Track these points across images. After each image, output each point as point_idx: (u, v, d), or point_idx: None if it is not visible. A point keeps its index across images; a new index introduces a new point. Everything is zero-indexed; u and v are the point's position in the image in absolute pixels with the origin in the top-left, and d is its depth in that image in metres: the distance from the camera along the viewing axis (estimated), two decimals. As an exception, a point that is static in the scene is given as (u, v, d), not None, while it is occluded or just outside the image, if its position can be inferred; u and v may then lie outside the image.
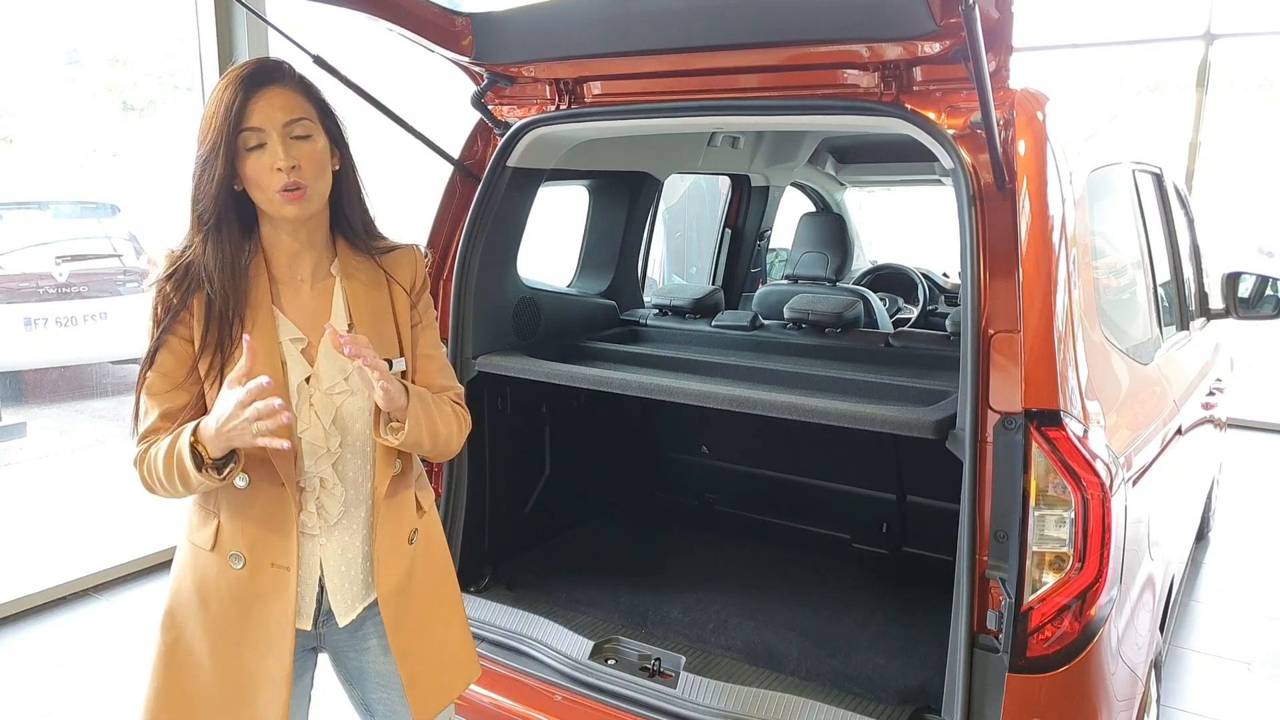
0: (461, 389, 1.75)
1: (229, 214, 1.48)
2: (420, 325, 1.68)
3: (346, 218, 1.59)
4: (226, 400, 1.37)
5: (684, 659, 2.27)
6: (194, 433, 1.41)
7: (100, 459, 6.41)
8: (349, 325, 1.58)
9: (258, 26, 3.97)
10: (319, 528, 1.58)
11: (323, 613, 1.62)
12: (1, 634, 3.53)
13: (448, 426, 1.62)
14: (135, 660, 3.33)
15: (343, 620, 1.63)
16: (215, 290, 1.48)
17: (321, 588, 1.60)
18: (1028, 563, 1.76)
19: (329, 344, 1.54)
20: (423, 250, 1.72)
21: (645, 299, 3.67)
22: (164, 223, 7.94)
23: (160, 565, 4.11)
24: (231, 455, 1.44)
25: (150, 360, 1.49)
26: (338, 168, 1.54)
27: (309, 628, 1.62)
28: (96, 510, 5.14)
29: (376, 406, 1.52)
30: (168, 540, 4.22)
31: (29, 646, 3.44)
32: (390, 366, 1.56)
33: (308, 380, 1.54)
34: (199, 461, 1.41)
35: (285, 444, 1.37)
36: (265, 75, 1.46)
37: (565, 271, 3.61)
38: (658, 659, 2.28)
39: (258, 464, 1.50)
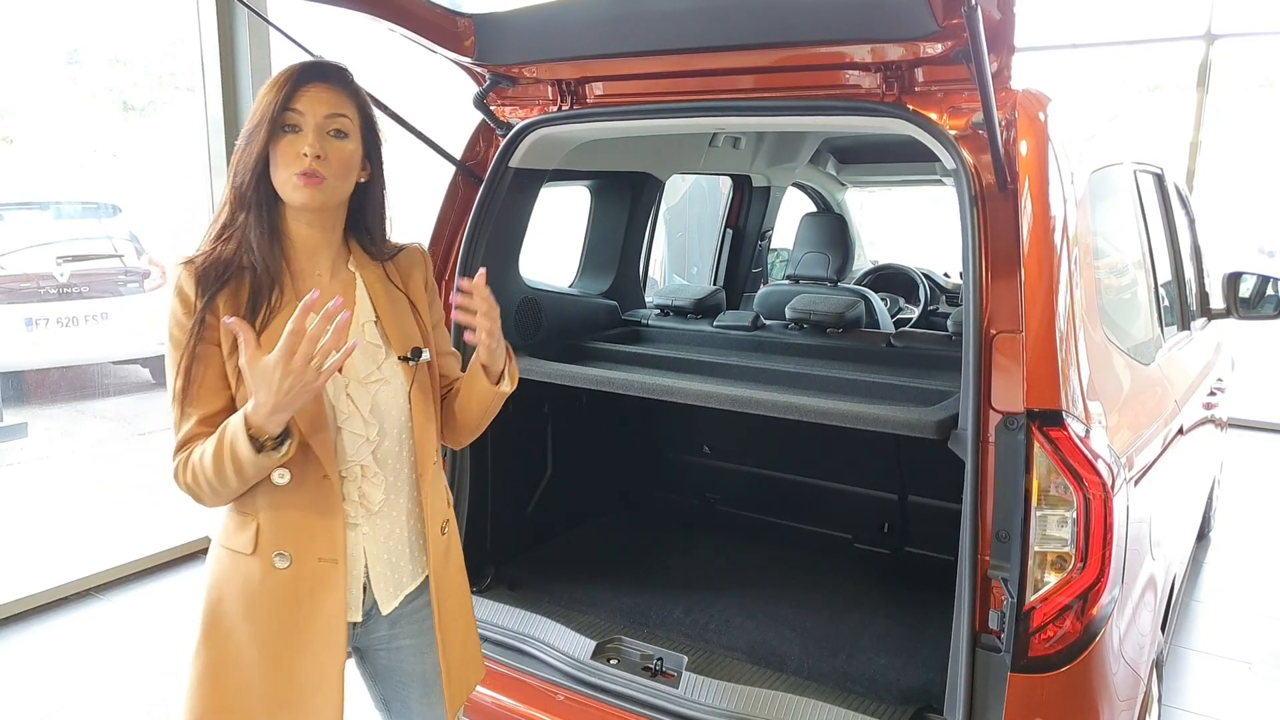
0: None
1: (266, 190, 1.51)
2: (439, 325, 1.74)
3: (367, 228, 1.64)
4: (279, 356, 1.33)
5: (686, 659, 2.27)
6: (245, 419, 1.39)
7: (101, 459, 6.41)
8: (375, 318, 1.61)
9: (259, 26, 3.97)
10: (361, 516, 1.59)
11: (368, 604, 1.64)
12: (1, 634, 3.53)
13: None
14: (135, 661, 3.34)
15: (386, 608, 1.64)
16: (258, 260, 1.50)
17: (365, 578, 1.62)
18: (1030, 562, 1.76)
19: (363, 336, 1.59)
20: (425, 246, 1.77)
21: (647, 299, 3.68)
22: (165, 223, 7.95)
23: (160, 566, 4.12)
24: (286, 433, 1.43)
25: (184, 373, 1.48)
26: (365, 179, 1.59)
27: (359, 619, 1.64)
28: (96, 510, 5.14)
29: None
30: (168, 541, 4.23)
31: (29, 646, 3.44)
32: (420, 355, 1.62)
33: (340, 371, 1.55)
34: (258, 445, 1.39)
35: (347, 348, 1.41)
36: (322, 72, 1.52)
37: (567, 272, 3.61)
38: (660, 659, 2.28)
39: (298, 458, 1.49)
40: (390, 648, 1.71)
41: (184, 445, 1.48)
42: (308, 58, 1.57)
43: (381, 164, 1.62)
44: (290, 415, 1.40)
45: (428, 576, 1.68)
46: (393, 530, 1.63)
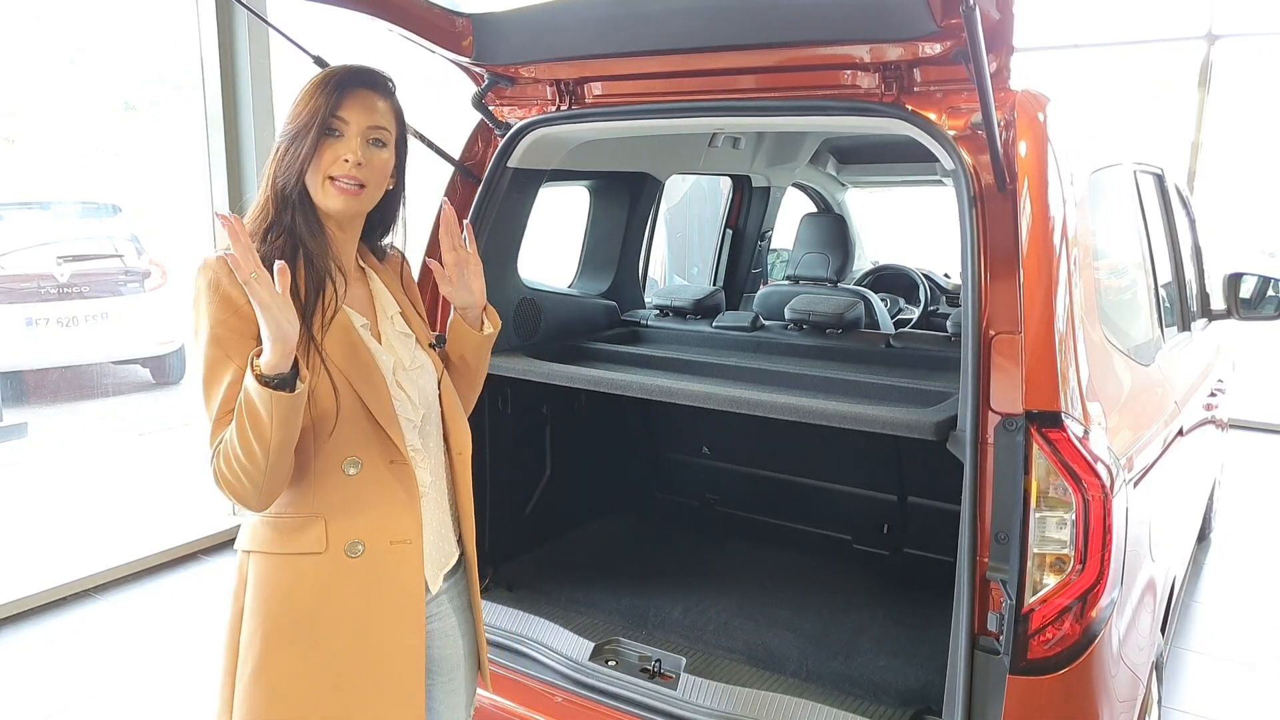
0: None
1: (306, 191, 1.53)
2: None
3: (381, 233, 1.71)
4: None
5: (684, 660, 2.27)
6: (252, 364, 1.35)
7: (101, 459, 6.41)
8: (399, 310, 1.68)
9: (258, 27, 3.98)
10: None
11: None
12: (1, 634, 3.53)
13: None
14: (135, 661, 3.33)
15: (434, 587, 1.68)
16: (316, 256, 1.53)
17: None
18: (1028, 564, 1.75)
19: (394, 326, 1.65)
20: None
21: (646, 300, 3.67)
22: (165, 222, 7.95)
23: (160, 566, 4.12)
24: (295, 373, 1.36)
25: (232, 382, 1.42)
26: (392, 188, 1.63)
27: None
28: (96, 510, 5.14)
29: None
30: (168, 540, 4.23)
31: (29, 646, 3.44)
32: (439, 344, 1.74)
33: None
34: (268, 383, 1.33)
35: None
36: (368, 79, 1.55)
37: (566, 272, 3.61)
38: (658, 660, 2.28)
39: (367, 446, 1.53)
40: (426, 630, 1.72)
41: (215, 438, 1.44)
42: (347, 61, 1.58)
43: (404, 175, 1.66)
44: (284, 340, 1.32)
45: (461, 554, 1.76)
46: (436, 512, 1.68)
